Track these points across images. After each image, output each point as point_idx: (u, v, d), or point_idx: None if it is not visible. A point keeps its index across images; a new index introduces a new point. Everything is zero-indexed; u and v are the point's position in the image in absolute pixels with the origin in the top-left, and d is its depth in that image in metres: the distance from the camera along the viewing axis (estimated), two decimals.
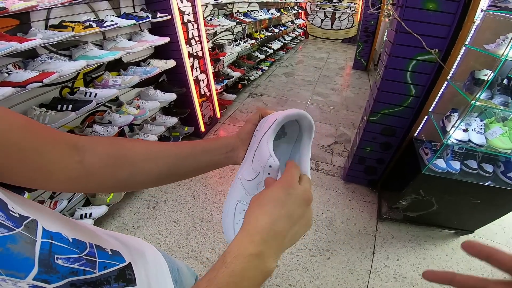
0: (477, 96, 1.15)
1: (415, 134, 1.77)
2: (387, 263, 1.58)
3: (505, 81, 1.21)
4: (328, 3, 7.38)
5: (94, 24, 1.51)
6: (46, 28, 1.44)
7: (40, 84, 1.25)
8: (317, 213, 1.89)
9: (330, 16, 7.61)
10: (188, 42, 2.25)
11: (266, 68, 4.59)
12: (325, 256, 1.60)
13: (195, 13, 2.28)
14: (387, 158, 1.96)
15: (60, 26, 1.42)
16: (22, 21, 1.36)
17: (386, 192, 1.97)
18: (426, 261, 1.61)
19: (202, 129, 2.70)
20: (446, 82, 1.50)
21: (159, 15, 1.93)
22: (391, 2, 1.74)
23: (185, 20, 2.16)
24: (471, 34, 1.31)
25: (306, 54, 6.29)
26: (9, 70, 1.25)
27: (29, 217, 0.28)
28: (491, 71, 1.11)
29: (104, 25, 1.55)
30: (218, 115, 3.06)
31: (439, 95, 1.58)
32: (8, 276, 0.24)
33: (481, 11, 1.24)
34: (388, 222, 1.83)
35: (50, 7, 1.33)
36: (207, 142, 0.45)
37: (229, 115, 3.28)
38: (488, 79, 1.10)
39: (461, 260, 1.62)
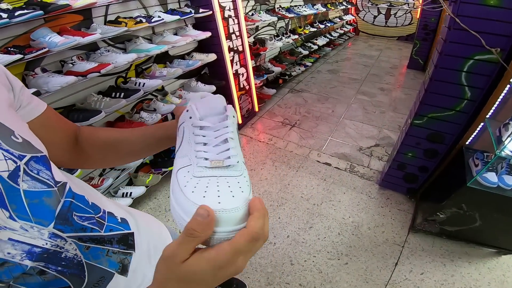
0: None
1: (467, 143, 1.60)
2: (409, 276, 1.48)
3: None
4: None
5: (143, 20, 1.69)
6: (105, 24, 1.65)
7: (98, 74, 1.46)
8: (343, 216, 1.85)
9: (384, 13, 7.04)
10: (229, 37, 2.35)
11: (309, 64, 4.50)
12: (343, 260, 1.57)
13: (235, 9, 2.36)
14: (432, 166, 1.81)
15: (116, 22, 1.61)
16: (85, 17, 1.58)
17: (425, 202, 1.82)
18: (453, 278, 1.46)
19: (240, 121, 2.81)
20: (508, 86, 1.32)
21: (201, 10, 2.06)
22: None
23: (226, 16, 2.27)
24: None
25: (355, 52, 5.96)
26: (73, 61, 1.48)
27: (61, 181, 0.38)
28: None
29: (152, 20, 1.72)
30: (256, 109, 3.13)
31: (499, 99, 1.40)
32: (36, 223, 0.32)
33: None
34: (421, 234, 1.69)
35: (108, 3, 1.52)
36: (155, 131, 0.56)
37: (267, 109, 3.33)
38: None
39: (494, 281, 1.45)
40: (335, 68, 4.74)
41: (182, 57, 2.23)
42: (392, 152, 2.07)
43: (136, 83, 1.82)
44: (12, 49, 1.19)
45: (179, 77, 2.17)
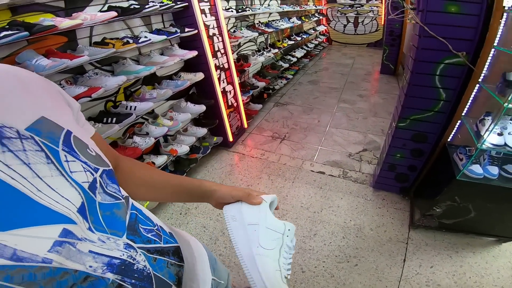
0: (509, 98, 1.14)
1: (449, 139, 1.74)
2: (420, 270, 1.56)
3: None
4: (349, 8, 7.42)
5: (131, 41, 1.70)
6: (90, 45, 1.63)
7: (89, 98, 1.44)
8: (344, 220, 1.91)
9: (352, 21, 7.62)
10: (215, 55, 2.43)
11: (290, 76, 4.70)
12: (352, 262, 1.62)
13: (219, 27, 2.46)
14: (420, 164, 1.94)
15: (103, 43, 1.60)
16: (69, 38, 1.57)
17: (419, 199, 1.94)
18: (463, 268, 1.56)
19: (230, 139, 2.85)
20: (477, 85, 1.49)
21: (186, 29, 2.10)
22: (411, 7, 1.76)
23: (211, 34, 2.34)
24: (499, 35, 1.30)
25: (331, 61, 6.32)
26: (62, 86, 1.46)
27: (125, 195, 0.40)
28: None
29: (140, 41, 1.73)
30: (245, 125, 3.19)
31: (471, 98, 1.56)
32: (111, 235, 0.35)
33: (505, 12, 1.24)
34: (421, 229, 1.79)
35: (93, 24, 1.50)
36: (192, 185, 0.63)
37: (256, 124, 3.41)
38: None
39: (502, 268, 1.56)
40: (314, 78, 4.97)
41: (169, 77, 2.27)
42: (381, 155, 2.19)
43: (127, 106, 1.82)
44: None
45: (167, 99, 2.20)
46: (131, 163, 0.62)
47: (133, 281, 0.35)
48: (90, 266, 0.30)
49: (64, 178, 0.32)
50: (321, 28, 7.06)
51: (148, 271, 0.38)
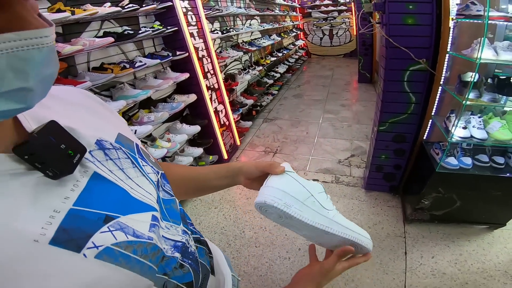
0: (467, 96, 1.35)
1: (424, 137, 1.95)
2: (422, 261, 1.70)
3: (489, 80, 1.41)
4: (323, 21, 7.94)
5: (127, 65, 1.79)
6: (89, 70, 1.71)
7: None
8: None
9: (328, 33, 8.14)
10: (205, 76, 2.59)
11: (275, 92, 4.93)
12: None
13: (207, 48, 2.64)
14: (403, 163, 2.12)
15: (101, 68, 1.68)
16: (69, 64, 1.63)
17: (408, 195, 2.11)
18: (463, 256, 1.71)
19: (225, 156, 2.96)
20: (440, 87, 1.71)
21: (178, 53, 2.25)
22: (378, 21, 2.00)
23: (200, 56, 2.51)
24: (450, 42, 1.54)
25: (312, 74, 6.68)
26: None
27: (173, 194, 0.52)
28: (474, 73, 1.32)
29: (136, 65, 1.83)
30: (238, 142, 3.33)
31: (437, 99, 1.79)
32: (172, 223, 0.45)
33: (453, 20, 1.48)
34: (416, 223, 1.95)
35: (91, 50, 1.55)
36: (220, 168, 0.67)
37: (248, 141, 3.55)
38: (471, 80, 1.31)
39: (500, 253, 1.71)
40: (298, 92, 5.24)
41: (164, 100, 2.39)
42: (368, 158, 2.37)
43: None
44: None
45: (163, 121, 2.30)
46: (167, 164, 0.72)
47: (189, 261, 0.43)
48: (164, 248, 0.38)
49: (145, 178, 0.43)
50: (300, 42, 7.49)
51: (196, 256, 0.46)
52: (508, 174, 1.56)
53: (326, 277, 0.55)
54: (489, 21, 1.23)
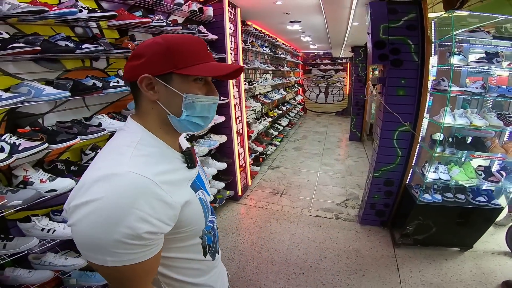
0: (435, 150, 1.99)
1: (407, 182, 2.54)
2: (412, 274, 2.15)
3: (450, 139, 2.09)
4: (321, 79, 8.85)
5: None
6: None
7: None
8: (344, 246, 2.48)
9: (324, 91, 9.01)
10: (235, 121, 3.19)
11: (278, 143, 5.59)
12: (360, 274, 2.14)
13: (239, 97, 3.30)
14: (391, 202, 2.67)
15: None
16: None
17: (395, 227, 2.59)
18: (443, 271, 2.17)
19: (240, 193, 3.41)
20: (418, 144, 2.38)
21: (221, 98, 2.86)
22: (379, 91, 2.72)
23: (235, 103, 3.13)
24: (426, 110, 2.25)
25: (308, 129, 7.55)
26: None
27: None
28: (440, 133, 2.00)
29: None
30: (250, 183, 3.81)
31: (416, 153, 2.44)
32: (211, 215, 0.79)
33: (428, 92, 2.20)
34: (403, 247, 2.44)
35: None
36: None
37: (256, 183, 4.04)
38: (438, 139, 1.98)
39: (473, 268, 2.19)
40: (298, 146, 5.95)
41: (201, 137, 2.93)
42: (363, 198, 2.91)
43: None
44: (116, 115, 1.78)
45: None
46: None
47: (213, 232, 0.78)
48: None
49: (205, 176, 0.83)
50: (299, 98, 8.26)
51: (216, 231, 0.82)
52: (467, 206, 2.14)
53: None
54: (451, 95, 1.94)
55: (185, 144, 0.80)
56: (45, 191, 1.31)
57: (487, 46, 2.15)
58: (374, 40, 2.20)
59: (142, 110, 0.65)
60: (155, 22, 1.90)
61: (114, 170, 0.51)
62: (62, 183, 1.36)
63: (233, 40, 3.07)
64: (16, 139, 1.25)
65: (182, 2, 2.21)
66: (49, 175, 1.38)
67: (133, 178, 0.51)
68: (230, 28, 2.93)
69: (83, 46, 1.47)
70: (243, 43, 3.66)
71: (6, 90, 1.27)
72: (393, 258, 2.31)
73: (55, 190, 1.33)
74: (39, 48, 1.26)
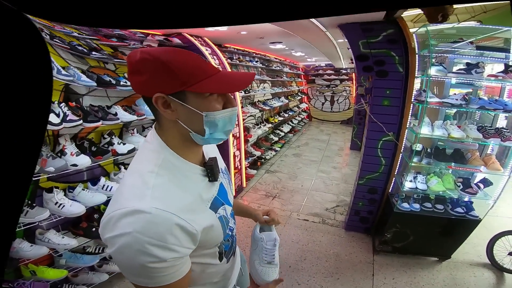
0: (412, 160, 2.07)
1: (390, 190, 2.60)
2: (385, 281, 2.21)
3: (429, 150, 2.16)
4: (326, 88, 8.77)
5: None
6: None
7: None
8: (326, 250, 2.55)
9: (329, 99, 8.93)
10: None
11: (278, 149, 5.69)
12: (335, 277, 2.22)
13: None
14: (375, 209, 2.74)
15: None
16: None
17: (377, 235, 2.64)
18: (416, 279, 2.23)
19: (233, 194, 3.53)
20: (401, 154, 2.44)
21: None
22: (366, 101, 2.83)
23: None
24: (409, 121, 2.31)
25: (311, 137, 7.61)
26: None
27: None
28: (419, 144, 2.06)
29: None
30: (244, 185, 3.93)
31: (398, 163, 2.50)
32: (232, 217, 0.84)
33: (412, 103, 2.27)
34: (382, 254, 2.50)
35: None
36: (249, 210, 1.09)
37: (251, 186, 4.16)
38: (415, 149, 2.05)
39: (447, 278, 2.24)
40: (298, 152, 6.03)
41: None
42: (349, 205, 2.97)
43: None
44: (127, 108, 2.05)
45: None
46: None
47: (231, 239, 0.85)
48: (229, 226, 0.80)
49: (230, 187, 0.86)
50: (303, 105, 8.31)
51: (234, 240, 0.89)
52: (445, 216, 2.19)
53: None
54: (428, 105, 2.01)
55: (210, 151, 0.81)
56: (70, 164, 1.54)
57: (474, 57, 2.10)
58: (355, 54, 2.30)
59: (163, 127, 0.65)
60: (131, 46, 2.29)
61: (138, 206, 0.55)
62: (82, 160, 1.61)
63: (215, 58, 3.23)
64: (67, 110, 1.56)
65: (144, 36, 2.50)
66: (77, 150, 1.63)
67: (157, 214, 0.55)
68: (206, 50, 3.08)
69: (92, 53, 1.88)
70: (229, 59, 3.76)
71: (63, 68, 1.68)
72: (370, 264, 2.38)
73: (76, 165, 1.57)
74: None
